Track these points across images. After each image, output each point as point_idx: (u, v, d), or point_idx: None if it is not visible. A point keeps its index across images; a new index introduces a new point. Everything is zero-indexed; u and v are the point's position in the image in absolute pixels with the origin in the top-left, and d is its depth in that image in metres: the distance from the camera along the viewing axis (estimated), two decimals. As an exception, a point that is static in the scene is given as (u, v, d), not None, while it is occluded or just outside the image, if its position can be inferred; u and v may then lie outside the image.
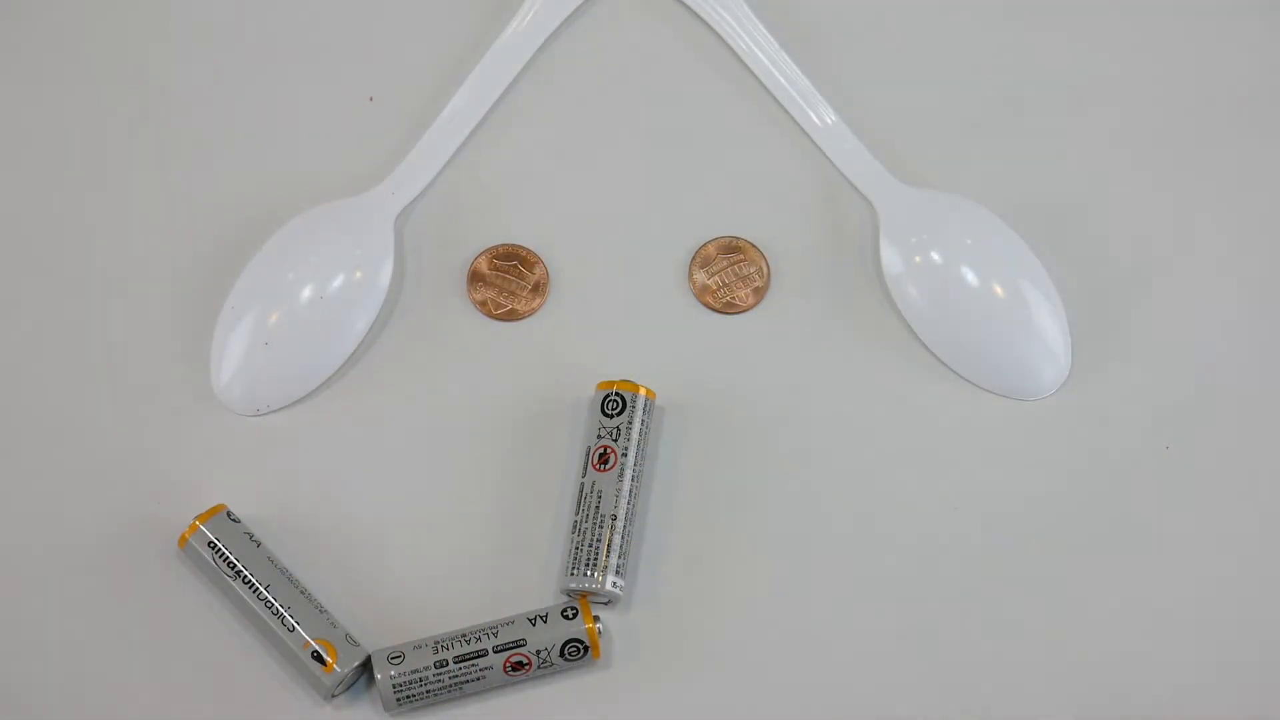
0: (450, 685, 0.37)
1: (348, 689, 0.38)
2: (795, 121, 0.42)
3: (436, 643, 0.37)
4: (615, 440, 0.39)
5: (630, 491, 0.38)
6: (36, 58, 0.43)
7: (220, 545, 0.38)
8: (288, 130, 0.43)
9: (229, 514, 0.38)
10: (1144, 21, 0.44)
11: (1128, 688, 0.38)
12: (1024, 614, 0.39)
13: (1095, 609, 0.39)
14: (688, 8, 0.43)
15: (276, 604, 0.37)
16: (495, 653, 0.37)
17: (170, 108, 0.43)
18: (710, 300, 0.41)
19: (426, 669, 0.37)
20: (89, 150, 0.42)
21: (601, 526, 0.38)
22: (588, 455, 0.39)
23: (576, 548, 0.38)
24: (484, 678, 0.37)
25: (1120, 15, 0.44)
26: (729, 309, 0.41)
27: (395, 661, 0.37)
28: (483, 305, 0.41)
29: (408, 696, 0.37)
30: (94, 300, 0.41)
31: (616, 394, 0.39)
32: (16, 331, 0.41)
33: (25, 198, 0.42)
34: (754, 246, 0.42)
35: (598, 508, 0.38)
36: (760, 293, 0.41)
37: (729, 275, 0.41)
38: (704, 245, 0.42)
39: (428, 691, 0.37)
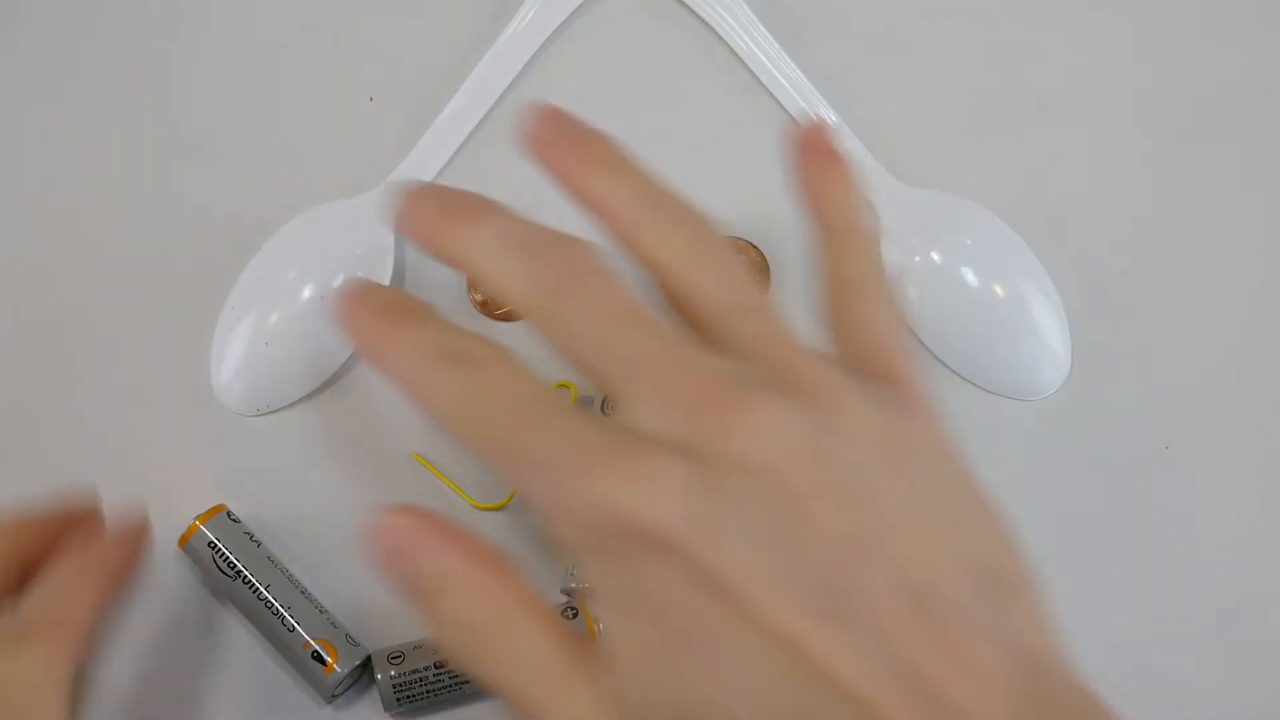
0: (450, 685, 0.37)
1: (348, 689, 0.38)
2: (795, 121, 0.42)
3: (436, 643, 0.37)
4: (615, 440, 0.39)
5: (630, 491, 0.38)
6: (37, 58, 0.43)
7: (220, 545, 0.38)
8: (288, 130, 0.43)
9: (229, 514, 0.38)
10: (1143, 22, 0.44)
11: (1127, 687, 0.38)
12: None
13: (1095, 608, 0.39)
14: (688, 8, 0.43)
15: (276, 604, 0.37)
16: (495, 653, 0.37)
17: (170, 108, 0.43)
18: (710, 300, 0.41)
19: (426, 669, 0.37)
20: (89, 150, 0.42)
21: (601, 526, 0.38)
22: (588, 455, 0.39)
23: (576, 548, 0.38)
24: (484, 678, 0.37)
25: (1120, 16, 0.44)
26: (729, 309, 0.41)
27: (395, 661, 0.37)
28: (483, 305, 0.41)
29: (408, 696, 0.37)
30: (94, 300, 0.41)
31: (616, 394, 0.39)
32: (17, 331, 0.41)
33: (25, 198, 0.42)
34: (754, 246, 0.42)
35: (598, 508, 0.38)
36: (760, 293, 0.41)
37: (729, 275, 0.41)
38: (704, 245, 0.42)
39: (428, 691, 0.37)
